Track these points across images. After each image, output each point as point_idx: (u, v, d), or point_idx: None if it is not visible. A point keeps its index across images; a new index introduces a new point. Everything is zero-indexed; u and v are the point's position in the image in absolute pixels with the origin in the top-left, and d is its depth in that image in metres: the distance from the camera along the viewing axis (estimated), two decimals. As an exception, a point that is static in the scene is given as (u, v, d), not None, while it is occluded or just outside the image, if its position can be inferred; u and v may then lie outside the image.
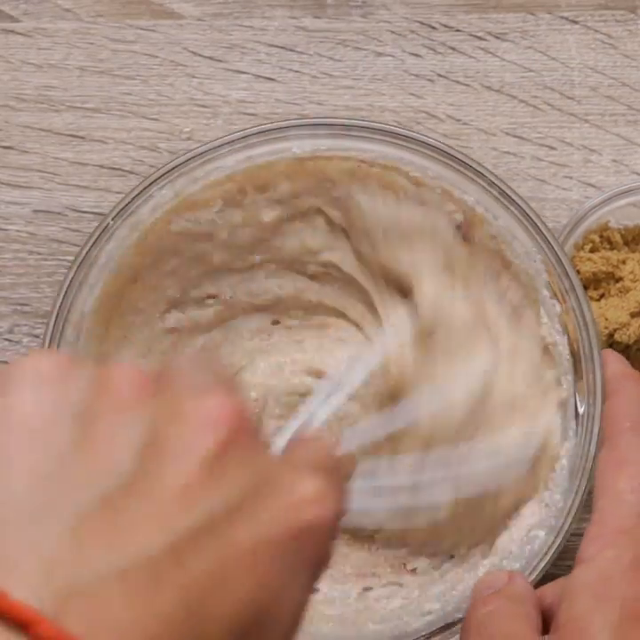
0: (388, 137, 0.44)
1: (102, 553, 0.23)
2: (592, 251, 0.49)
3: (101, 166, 0.52)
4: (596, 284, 0.48)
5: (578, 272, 0.49)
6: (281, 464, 0.29)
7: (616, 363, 0.43)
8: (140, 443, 0.26)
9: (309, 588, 0.28)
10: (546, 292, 0.44)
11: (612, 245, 0.49)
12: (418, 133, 0.45)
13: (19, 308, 0.51)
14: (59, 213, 0.52)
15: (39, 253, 0.51)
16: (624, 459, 0.40)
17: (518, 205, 0.44)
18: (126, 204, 0.44)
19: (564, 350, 0.43)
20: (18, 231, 0.52)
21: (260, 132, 0.44)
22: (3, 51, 0.53)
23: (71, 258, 0.44)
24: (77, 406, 0.26)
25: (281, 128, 0.44)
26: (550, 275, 0.43)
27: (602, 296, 0.48)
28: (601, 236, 0.49)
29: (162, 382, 0.28)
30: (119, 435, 0.26)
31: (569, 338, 0.43)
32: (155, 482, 0.25)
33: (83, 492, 0.24)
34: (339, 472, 0.30)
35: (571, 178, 0.52)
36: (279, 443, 0.36)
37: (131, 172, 0.52)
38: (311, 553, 0.27)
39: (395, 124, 0.46)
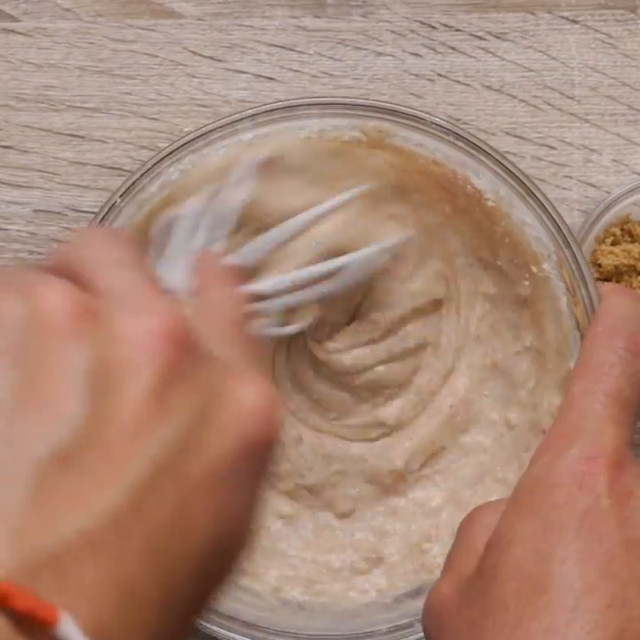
0: (409, 120, 0.44)
1: (66, 515, 0.23)
2: (613, 244, 0.49)
3: (101, 166, 0.52)
4: (617, 277, 0.48)
5: (599, 265, 0.49)
6: (221, 370, 0.28)
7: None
8: (84, 379, 0.25)
9: (258, 501, 0.28)
10: (557, 283, 0.43)
11: (634, 238, 0.49)
12: (438, 117, 0.44)
13: (19, 307, 0.51)
14: (59, 213, 0.52)
15: (39, 253, 0.51)
16: (584, 363, 0.38)
17: (534, 195, 0.44)
18: (134, 182, 0.44)
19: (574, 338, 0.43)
20: (18, 231, 0.52)
21: (267, 111, 0.44)
22: (3, 50, 0.52)
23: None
24: (14, 350, 0.25)
25: (291, 106, 0.44)
26: (561, 265, 0.43)
27: (624, 289, 0.48)
28: (622, 229, 0.49)
29: (94, 299, 0.27)
30: (62, 374, 0.25)
31: (579, 329, 0.43)
32: (106, 423, 0.24)
33: (37, 447, 0.24)
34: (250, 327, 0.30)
35: (571, 178, 0.52)
36: (169, 276, 0.36)
37: (131, 172, 0.52)
38: (258, 466, 0.27)
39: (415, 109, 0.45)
